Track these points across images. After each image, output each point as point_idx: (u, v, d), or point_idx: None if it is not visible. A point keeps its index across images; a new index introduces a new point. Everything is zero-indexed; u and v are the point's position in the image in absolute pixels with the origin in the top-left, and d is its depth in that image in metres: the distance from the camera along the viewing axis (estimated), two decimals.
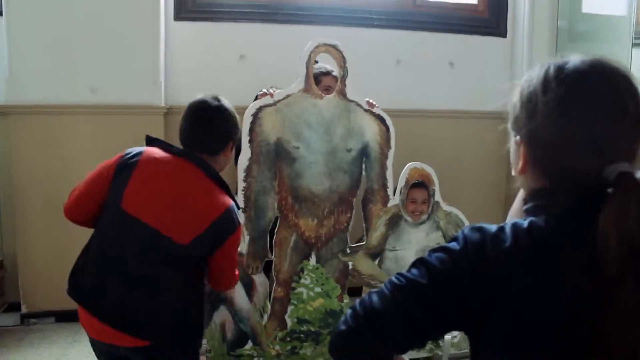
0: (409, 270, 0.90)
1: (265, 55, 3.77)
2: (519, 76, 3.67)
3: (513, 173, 0.97)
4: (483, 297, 0.82)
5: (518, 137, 0.92)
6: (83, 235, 2.05)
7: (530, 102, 0.89)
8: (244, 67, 3.76)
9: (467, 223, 3.06)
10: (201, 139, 1.85)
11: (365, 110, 2.91)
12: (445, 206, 3.03)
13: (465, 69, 4.11)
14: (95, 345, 1.83)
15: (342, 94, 2.87)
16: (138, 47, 3.50)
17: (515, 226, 0.85)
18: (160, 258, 1.72)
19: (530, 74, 0.93)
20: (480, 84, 4.14)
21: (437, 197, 3.02)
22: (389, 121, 2.94)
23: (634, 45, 4.17)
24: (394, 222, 2.98)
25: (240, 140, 2.12)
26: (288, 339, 2.83)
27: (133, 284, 1.72)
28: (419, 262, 0.90)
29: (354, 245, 2.94)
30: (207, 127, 1.85)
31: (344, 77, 2.87)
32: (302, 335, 2.85)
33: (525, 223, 0.84)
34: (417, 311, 0.85)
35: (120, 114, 3.51)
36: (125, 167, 1.75)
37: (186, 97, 3.65)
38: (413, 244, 2.99)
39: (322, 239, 2.87)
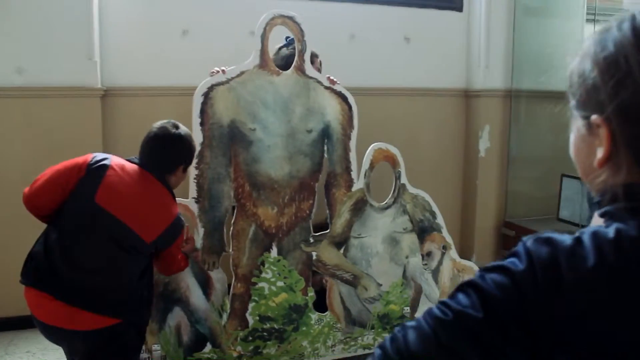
0: (453, 296, 0.68)
1: (211, 30, 3.47)
2: (476, 52, 3.53)
3: (579, 167, 0.74)
4: (557, 333, 0.62)
5: (596, 116, 0.68)
6: (18, 237, 2.02)
7: (617, 67, 0.65)
8: (187, 44, 3.44)
9: (434, 206, 2.91)
10: (156, 160, 2.04)
11: (326, 87, 2.69)
12: (411, 189, 2.87)
13: (421, 44, 3.94)
14: (47, 330, 1.90)
15: (301, 70, 2.64)
16: (69, 21, 3.11)
17: (596, 236, 0.64)
18: (124, 248, 1.90)
19: (602, 33, 0.69)
20: (437, 60, 4.01)
21: (403, 179, 2.85)
22: (351, 99, 2.73)
23: (587, 20, 4.13)
24: (359, 207, 2.79)
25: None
26: (250, 338, 2.61)
27: (99, 268, 1.88)
28: (468, 287, 0.68)
29: (317, 234, 2.73)
30: (162, 152, 2.05)
31: (302, 52, 2.63)
32: (265, 334, 2.63)
33: (611, 232, 0.63)
34: (469, 354, 0.64)
35: (52, 97, 3.14)
36: (98, 167, 1.93)
37: (125, 77, 3.39)
38: (379, 230, 2.82)
39: (284, 228, 2.65)
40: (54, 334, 1.91)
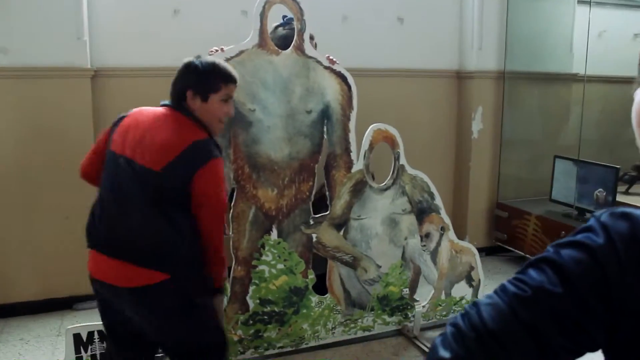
0: (524, 272, 0.66)
1: (202, 9, 3.39)
2: (469, 33, 3.52)
3: None
4: (639, 307, 0.60)
5: None
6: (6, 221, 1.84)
7: None
8: (178, 24, 3.36)
9: (432, 187, 2.90)
10: (171, 91, 2.01)
11: (326, 67, 2.64)
12: (410, 170, 2.85)
13: (414, 25, 3.91)
14: (95, 286, 1.91)
15: (300, 49, 2.58)
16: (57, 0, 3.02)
17: None
18: (137, 188, 1.82)
19: None
20: (430, 41, 3.97)
21: (402, 160, 2.83)
22: (350, 79, 2.69)
23: (578, 2, 4.15)
24: (358, 189, 2.77)
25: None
26: (251, 322, 2.58)
27: (125, 219, 1.83)
28: (542, 262, 0.66)
29: (317, 216, 2.70)
30: (172, 81, 2.02)
31: (301, 31, 2.58)
32: (265, 317, 2.61)
33: None
34: (550, 331, 0.62)
35: (39, 78, 3.03)
36: (116, 122, 1.98)
37: (115, 58, 3.30)
38: (379, 212, 2.80)
39: (283, 210, 2.62)
40: (100, 291, 1.92)
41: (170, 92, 1.99)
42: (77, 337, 2.36)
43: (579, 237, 0.65)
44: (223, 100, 1.99)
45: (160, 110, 1.97)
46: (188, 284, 1.89)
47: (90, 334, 2.36)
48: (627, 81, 4.27)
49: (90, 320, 2.88)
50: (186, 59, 2.00)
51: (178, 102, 1.96)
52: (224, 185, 1.94)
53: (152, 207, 1.82)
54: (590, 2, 3.74)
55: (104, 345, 2.35)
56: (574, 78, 4.15)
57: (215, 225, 1.93)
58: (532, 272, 0.65)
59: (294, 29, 2.59)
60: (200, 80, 1.95)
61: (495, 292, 0.67)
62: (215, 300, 2.02)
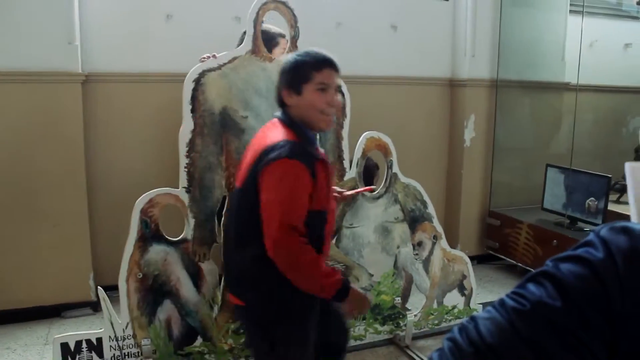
0: (523, 287, 0.66)
1: (195, 14, 3.37)
2: (462, 41, 3.53)
3: None
4: (638, 323, 0.59)
5: None
6: None
7: None
8: (171, 29, 3.34)
9: (425, 196, 2.89)
10: None
11: None
12: (403, 178, 2.84)
13: (408, 32, 3.91)
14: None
15: None
16: (48, 3, 2.97)
17: None
18: (238, 215, 1.82)
19: None
20: (423, 48, 3.98)
21: (395, 168, 2.82)
22: (343, 87, 2.68)
23: (570, 12, 4.17)
24: (351, 197, 2.75)
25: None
26: (241, 331, 2.55)
27: (229, 243, 1.95)
28: (541, 277, 0.65)
29: None
30: None
31: (295, 38, 2.57)
32: None
33: None
34: (550, 346, 0.61)
35: (29, 82, 2.99)
36: None
37: (106, 62, 3.28)
38: (371, 220, 2.79)
39: None
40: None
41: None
42: (64, 346, 2.31)
43: (579, 251, 0.65)
44: (319, 89, 1.74)
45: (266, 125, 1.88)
46: (264, 315, 1.83)
47: (79, 344, 2.32)
48: (618, 90, 4.29)
49: (79, 329, 2.86)
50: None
51: (279, 108, 1.83)
52: (291, 189, 1.64)
53: (238, 236, 1.82)
54: (582, 11, 3.76)
55: (92, 355, 2.32)
56: (566, 87, 4.17)
57: (278, 245, 1.63)
58: (531, 287, 0.65)
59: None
60: (291, 74, 1.78)
61: (494, 306, 0.66)
62: (343, 306, 1.82)
